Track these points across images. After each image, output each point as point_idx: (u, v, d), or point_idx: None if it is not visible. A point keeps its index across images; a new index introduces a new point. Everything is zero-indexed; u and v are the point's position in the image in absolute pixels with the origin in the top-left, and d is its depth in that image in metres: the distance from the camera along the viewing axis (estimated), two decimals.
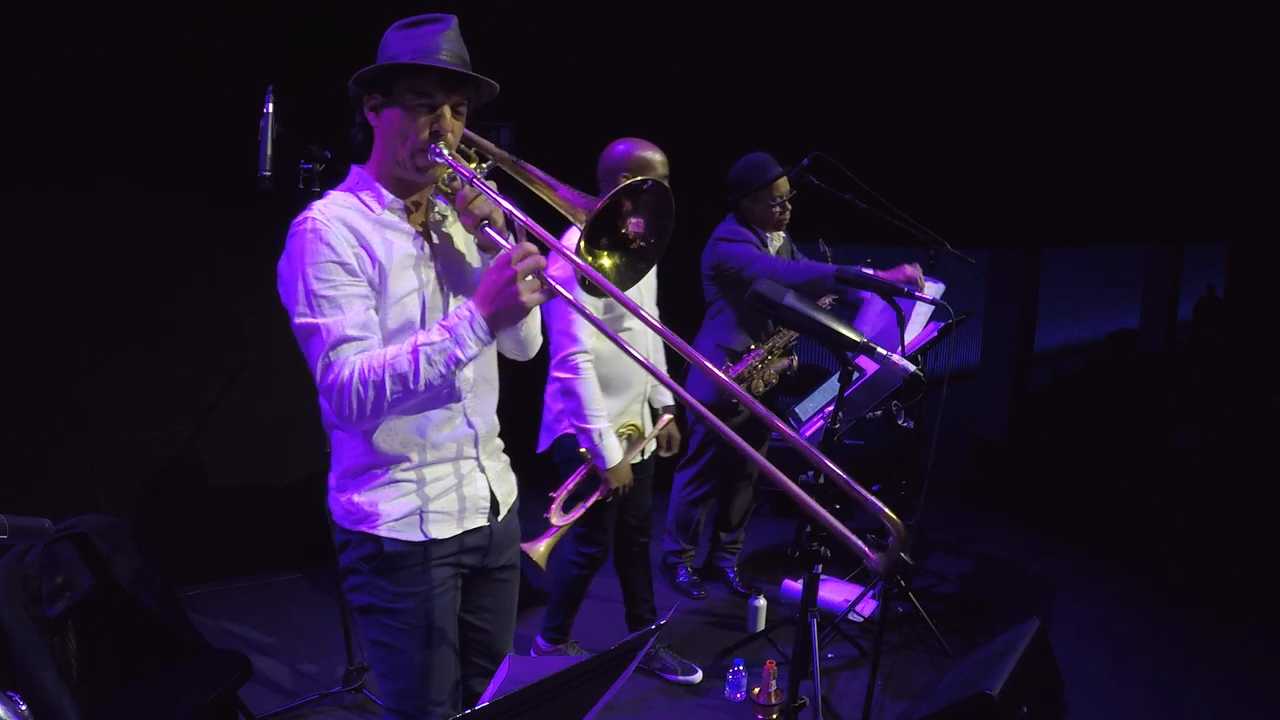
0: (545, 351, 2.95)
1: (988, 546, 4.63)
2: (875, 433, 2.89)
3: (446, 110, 1.63)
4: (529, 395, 2.94)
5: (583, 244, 1.57)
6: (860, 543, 1.31)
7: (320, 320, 1.57)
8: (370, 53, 1.66)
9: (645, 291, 2.86)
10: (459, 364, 1.57)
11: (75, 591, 2.29)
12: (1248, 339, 9.33)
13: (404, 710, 1.78)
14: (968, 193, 5.62)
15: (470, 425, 1.80)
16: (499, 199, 1.62)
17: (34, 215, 3.40)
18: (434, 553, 1.76)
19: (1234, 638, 3.71)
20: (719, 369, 3.52)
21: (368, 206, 1.68)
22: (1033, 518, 5.06)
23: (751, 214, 3.55)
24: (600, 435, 2.74)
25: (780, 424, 1.47)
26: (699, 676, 3.28)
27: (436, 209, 1.79)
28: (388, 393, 1.54)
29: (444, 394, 1.72)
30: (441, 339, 1.56)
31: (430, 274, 1.72)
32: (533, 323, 1.87)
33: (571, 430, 2.80)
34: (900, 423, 2.51)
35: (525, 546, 2.42)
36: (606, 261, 1.63)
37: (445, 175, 1.71)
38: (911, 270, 3.20)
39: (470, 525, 1.82)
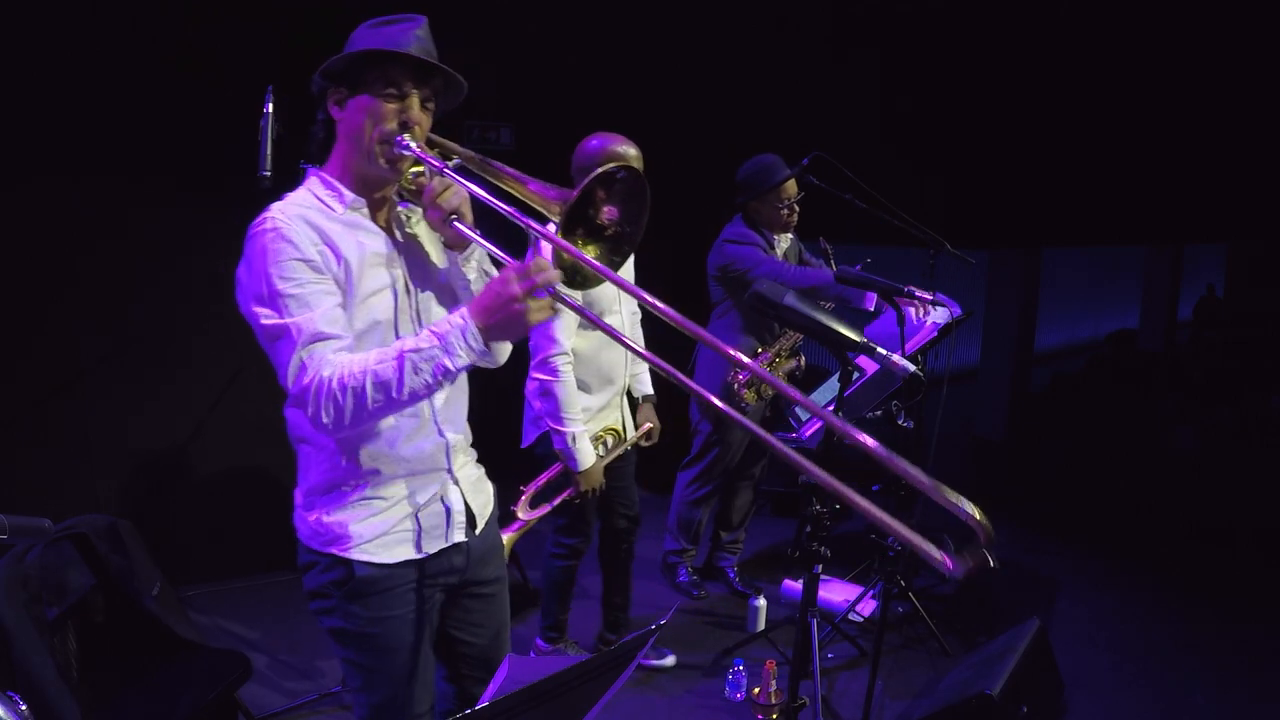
0: (525, 348, 2.96)
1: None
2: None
3: (415, 102, 1.58)
4: (514, 391, 2.96)
5: (559, 236, 1.51)
6: (931, 549, 1.15)
7: (289, 320, 1.49)
8: None
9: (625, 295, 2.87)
10: (447, 375, 1.47)
11: (75, 591, 2.28)
12: (1248, 339, 9.33)
13: None
14: (968, 193, 5.62)
15: (442, 435, 1.72)
16: (473, 187, 1.56)
17: (34, 215, 3.39)
18: (408, 575, 1.68)
19: (1234, 638, 3.71)
20: (727, 371, 3.54)
21: (328, 206, 1.61)
22: (1033, 518, 5.06)
23: (759, 216, 3.55)
24: (574, 439, 2.78)
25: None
26: (672, 660, 3.36)
27: (398, 211, 1.72)
28: (369, 400, 1.46)
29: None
30: (430, 346, 1.46)
31: (399, 273, 1.66)
32: None
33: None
34: (900, 423, 2.50)
35: None
36: (586, 251, 1.58)
37: (410, 173, 1.66)
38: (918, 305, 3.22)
39: (446, 542, 1.74)
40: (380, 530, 1.66)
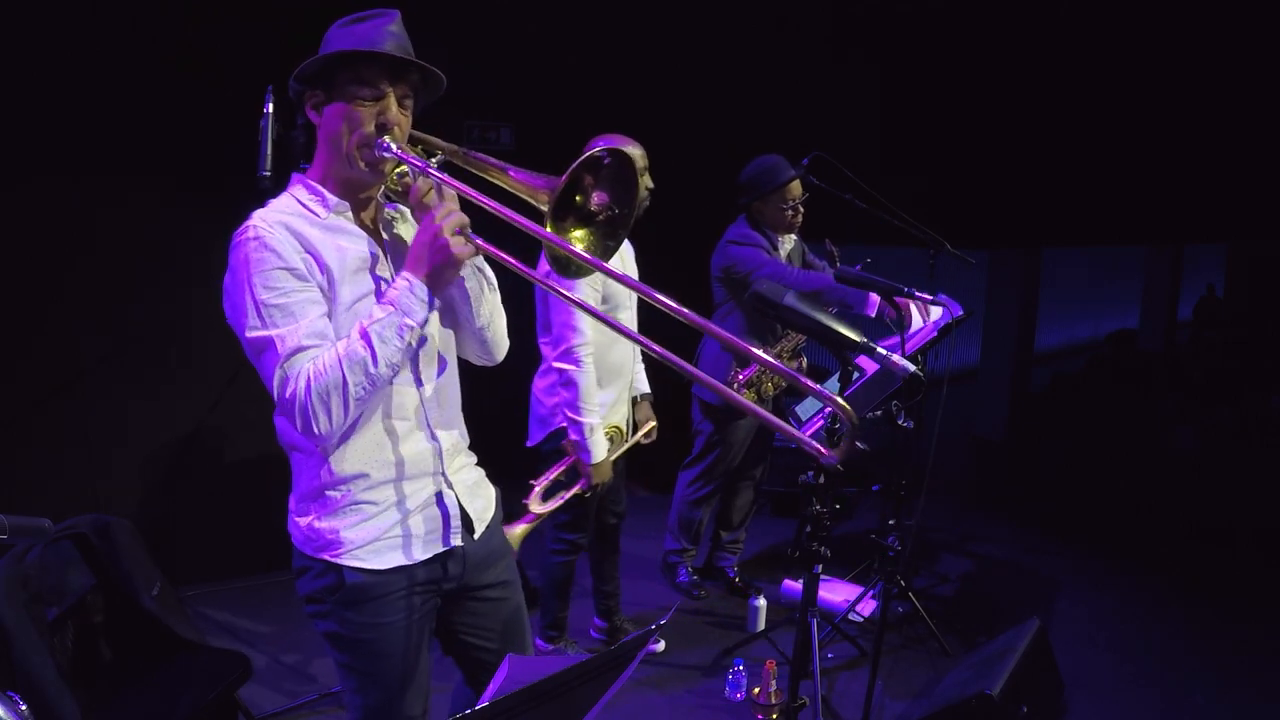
0: (534, 346, 2.97)
1: (988, 546, 4.63)
2: (875, 433, 2.88)
3: (392, 101, 1.56)
4: (516, 391, 2.96)
5: (549, 224, 1.50)
6: (812, 442, 1.38)
7: (273, 332, 1.49)
8: None
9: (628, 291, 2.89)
10: (411, 331, 1.53)
11: (75, 591, 2.29)
12: (1248, 339, 9.33)
13: None
14: (968, 193, 5.62)
15: (433, 438, 1.70)
16: (457, 185, 1.55)
17: (34, 215, 3.39)
18: (401, 581, 1.67)
19: (1234, 637, 3.71)
20: (728, 372, 3.55)
21: (312, 211, 1.60)
22: (1033, 518, 5.06)
23: (763, 216, 3.54)
24: (591, 430, 2.82)
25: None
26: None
27: (385, 212, 1.71)
28: (351, 386, 1.48)
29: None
30: (386, 314, 1.51)
31: (386, 275, 1.64)
32: (499, 322, 1.79)
33: (564, 424, 2.87)
34: (900, 423, 2.50)
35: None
36: (578, 238, 1.58)
37: (395, 173, 1.64)
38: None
39: (442, 547, 1.72)
40: (372, 536, 1.64)
